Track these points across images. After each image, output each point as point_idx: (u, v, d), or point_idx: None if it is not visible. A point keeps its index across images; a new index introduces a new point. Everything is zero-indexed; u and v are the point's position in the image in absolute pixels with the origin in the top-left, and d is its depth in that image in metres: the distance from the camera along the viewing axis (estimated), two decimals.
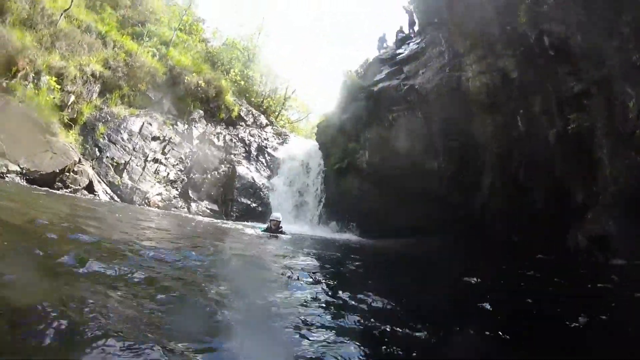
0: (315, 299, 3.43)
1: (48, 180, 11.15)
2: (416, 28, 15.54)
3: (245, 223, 13.46)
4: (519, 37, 9.65)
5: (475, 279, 5.03)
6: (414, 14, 15.50)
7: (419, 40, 14.53)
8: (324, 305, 3.31)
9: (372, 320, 2.96)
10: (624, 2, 6.53)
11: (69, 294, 2.31)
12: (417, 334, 2.76)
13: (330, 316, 3.02)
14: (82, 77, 14.05)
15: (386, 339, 2.62)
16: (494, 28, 10.42)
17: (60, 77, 13.23)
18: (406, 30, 16.36)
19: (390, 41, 17.28)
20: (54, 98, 12.85)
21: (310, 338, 2.44)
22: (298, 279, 4.06)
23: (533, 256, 8.65)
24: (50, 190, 10.84)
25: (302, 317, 2.81)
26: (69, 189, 11.70)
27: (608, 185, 7.65)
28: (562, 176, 9.14)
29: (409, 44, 15.13)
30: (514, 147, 10.66)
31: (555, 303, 4.23)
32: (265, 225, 10.49)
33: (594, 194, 8.14)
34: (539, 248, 9.27)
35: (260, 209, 15.64)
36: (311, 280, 4.17)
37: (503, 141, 11.00)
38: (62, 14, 14.70)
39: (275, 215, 10.26)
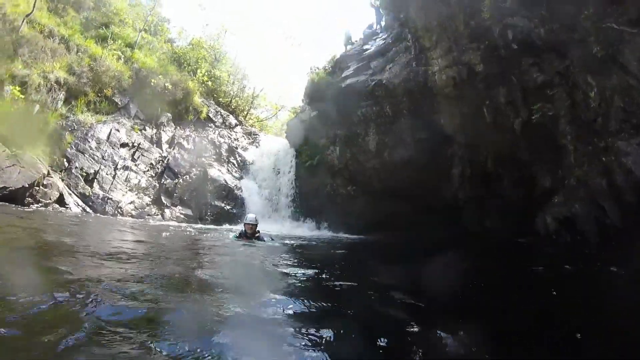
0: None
1: (17, 196, 10.64)
2: (383, 24, 15.84)
3: (216, 227, 13.32)
4: (483, 31, 10.01)
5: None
6: (380, 10, 15.79)
7: (385, 36, 14.82)
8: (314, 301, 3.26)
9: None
10: None
11: None
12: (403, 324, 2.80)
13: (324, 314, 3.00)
14: (46, 85, 13.49)
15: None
16: (459, 23, 10.77)
17: (23, 86, 12.68)
18: (375, 26, 16.64)
19: (357, 37, 17.51)
20: (18, 109, 12.29)
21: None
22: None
23: (508, 240, 9.14)
24: (20, 208, 10.32)
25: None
26: (40, 204, 11.23)
27: (573, 170, 8.12)
28: (529, 163, 9.63)
29: (375, 39, 15.39)
30: (481, 138, 11.10)
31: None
32: (239, 230, 8.95)
33: (559, 179, 8.63)
34: (510, 233, 9.81)
35: (234, 210, 15.52)
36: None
37: (470, 132, 11.42)
38: (24, 20, 14.04)
39: (250, 217, 8.63)
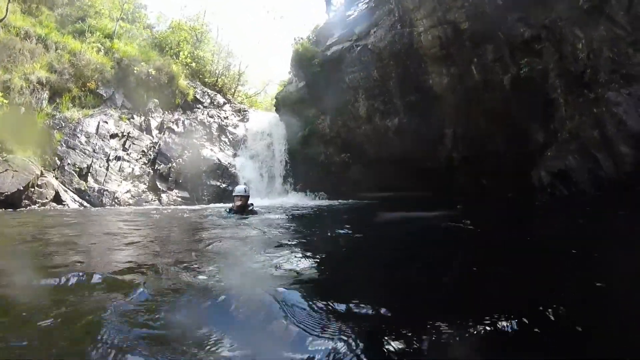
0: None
1: (14, 200, 10.65)
2: None
3: (215, 205, 13.42)
4: None
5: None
6: None
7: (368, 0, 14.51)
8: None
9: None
10: None
11: None
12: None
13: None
14: (29, 87, 13.34)
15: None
16: None
17: (6, 90, 12.50)
18: None
19: (338, 3, 17.14)
20: (3, 114, 12.12)
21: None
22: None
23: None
24: (17, 210, 10.37)
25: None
26: (37, 204, 11.24)
27: (564, 123, 8.19)
28: (521, 119, 9.68)
29: (358, 4, 15.05)
30: (471, 96, 11.08)
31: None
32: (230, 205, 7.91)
33: (552, 133, 8.71)
34: (507, 188, 9.98)
35: (231, 188, 15.54)
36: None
37: (460, 91, 11.39)
38: None
39: (239, 188, 7.50)
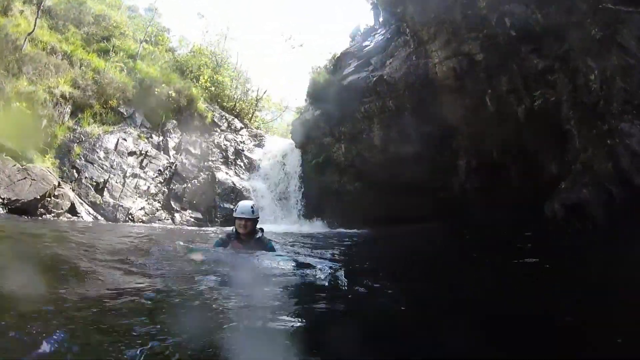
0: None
1: (30, 207, 10.97)
2: (381, 19, 15.83)
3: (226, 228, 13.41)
4: (480, 20, 9.96)
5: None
6: (378, 6, 15.77)
7: (384, 31, 14.80)
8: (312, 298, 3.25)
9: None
10: None
11: None
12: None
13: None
14: (52, 100, 13.88)
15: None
16: (456, 14, 10.71)
17: (30, 102, 13.01)
18: (372, 23, 16.67)
19: (357, 33, 17.52)
20: (26, 124, 12.72)
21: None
22: None
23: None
24: (32, 219, 10.66)
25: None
26: (52, 214, 11.54)
27: (578, 155, 8.01)
28: (535, 150, 9.53)
29: (374, 35, 15.40)
30: (485, 127, 11.00)
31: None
32: (230, 228, 5.54)
33: (566, 165, 8.52)
34: (520, 221, 9.70)
35: None
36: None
37: (474, 123, 11.33)
38: (25, 38, 14.43)
39: (244, 206, 4.91)
